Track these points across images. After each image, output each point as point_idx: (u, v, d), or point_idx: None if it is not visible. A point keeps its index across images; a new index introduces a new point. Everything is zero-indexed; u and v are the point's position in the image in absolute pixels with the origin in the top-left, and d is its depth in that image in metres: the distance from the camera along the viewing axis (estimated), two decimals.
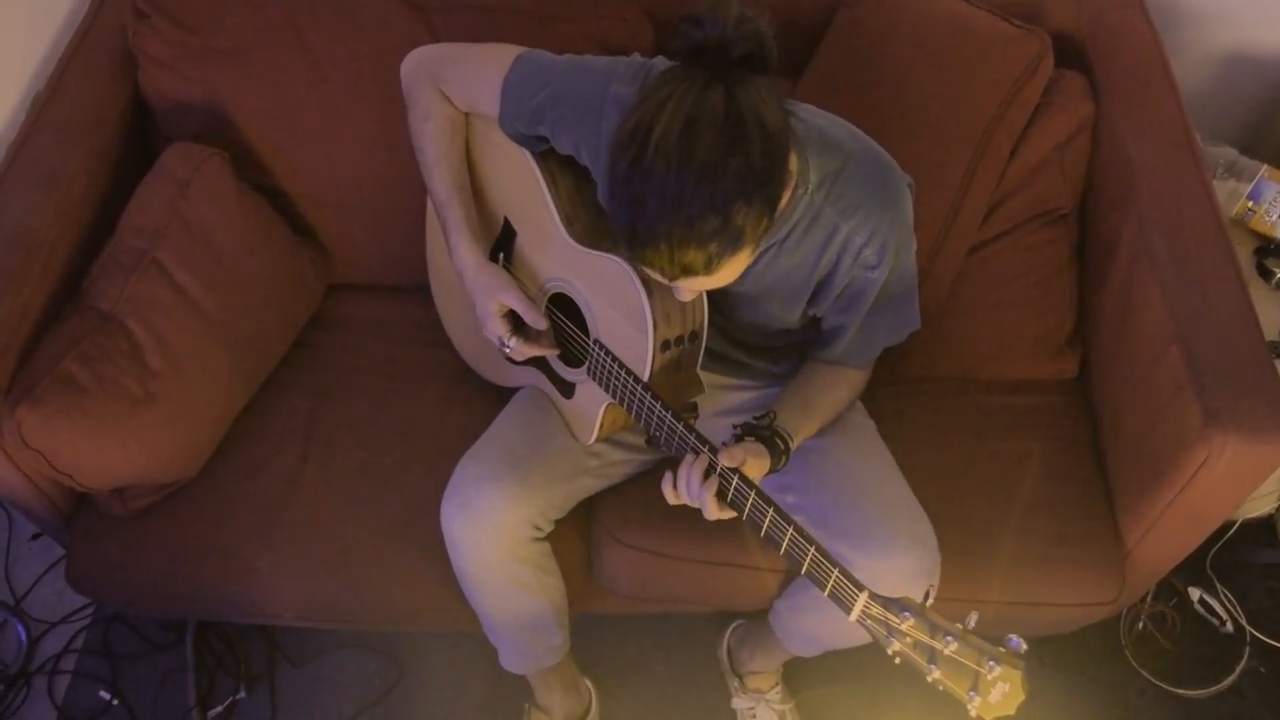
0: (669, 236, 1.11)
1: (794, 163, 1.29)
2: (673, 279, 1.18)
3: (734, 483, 1.28)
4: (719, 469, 1.29)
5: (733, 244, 1.13)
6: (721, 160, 1.08)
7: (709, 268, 1.14)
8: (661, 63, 1.35)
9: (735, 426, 1.41)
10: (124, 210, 1.69)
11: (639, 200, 1.11)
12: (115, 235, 1.67)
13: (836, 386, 1.50)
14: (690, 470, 1.30)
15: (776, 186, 1.14)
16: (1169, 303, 1.56)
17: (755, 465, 1.32)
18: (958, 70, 1.76)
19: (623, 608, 1.82)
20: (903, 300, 1.44)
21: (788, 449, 1.39)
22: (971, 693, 1.13)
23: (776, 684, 1.90)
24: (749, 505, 1.28)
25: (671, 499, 1.33)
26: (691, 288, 1.26)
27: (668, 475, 1.33)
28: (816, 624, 1.59)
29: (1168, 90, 1.80)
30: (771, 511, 1.26)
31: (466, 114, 1.57)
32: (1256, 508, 2.01)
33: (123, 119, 1.83)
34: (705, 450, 1.30)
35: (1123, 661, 2.00)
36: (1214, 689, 1.97)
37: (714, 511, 1.30)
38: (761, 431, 1.38)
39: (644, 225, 1.12)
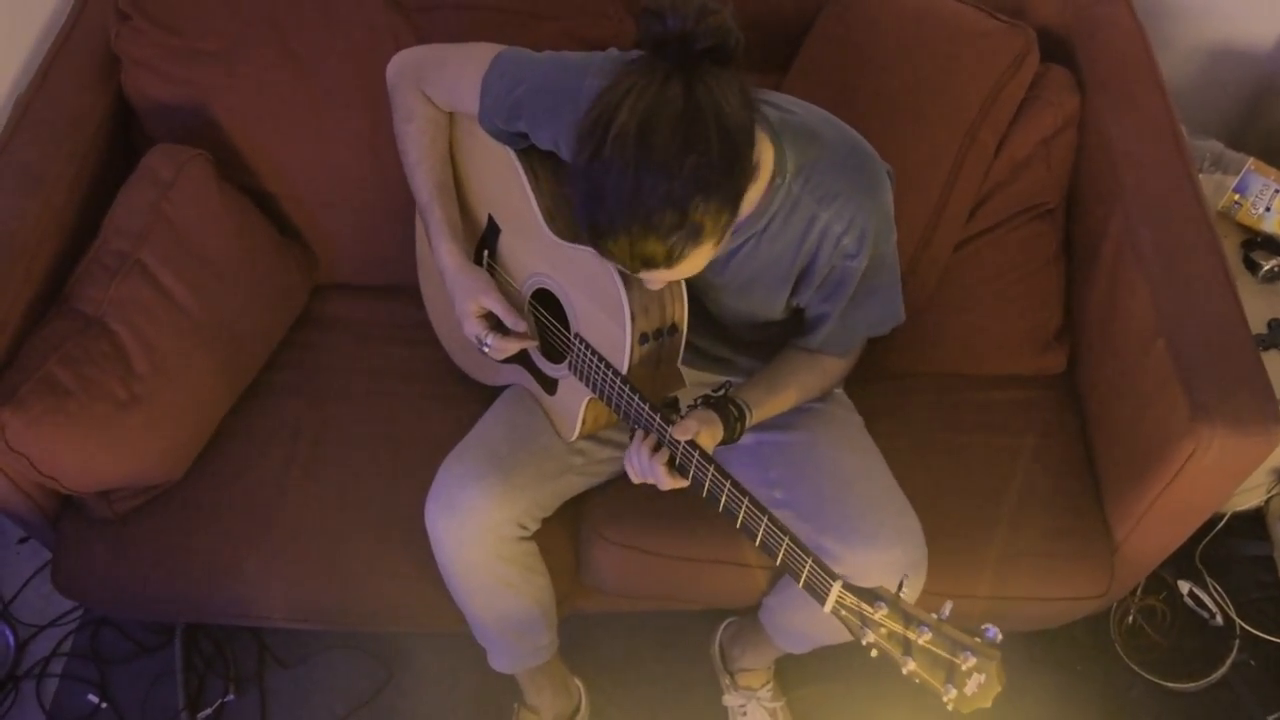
0: (628, 230, 1.12)
1: (769, 153, 1.29)
2: (634, 271, 1.19)
3: (680, 449, 1.30)
4: (667, 438, 1.31)
5: (693, 238, 1.13)
6: (678, 157, 1.08)
7: (669, 261, 1.15)
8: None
9: (695, 400, 1.41)
10: (107, 212, 1.68)
11: (598, 193, 1.12)
12: (99, 237, 1.66)
13: (807, 371, 1.50)
14: (639, 445, 1.33)
15: (736, 181, 1.15)
16: (1155, 296, 1.56)
17: (707, 434, 1.33)
18: (943, 65, 1.75)
19: (612, 606, 1.81)
20: (885, 291, 1.44)
21: (743, 416, 1.39)
22: (947, 685, 1.12)
23: (768, 682, 1.90)
24: (709, 480, 1.29)
25: (634, 478, 1.36)
26: (660, 279, 1.27)
27: (628, 454, 1.36)
28: (805, 619, 1.59)
29: (1154, 84, 1.80)
30: (729, 485, 1.27)
31: (450, 115, 1.56)
32: (1245, 500, 2.01)
33: (106, 120, 1.82)
34: (658, 421, 1.31)
35: (1113, 655, 1.99)
36: (1204, 682, 1.97)
37: (666, 481, 1.33)
38: (714, 399, 1.40)
39: (603, 218, 1.13)
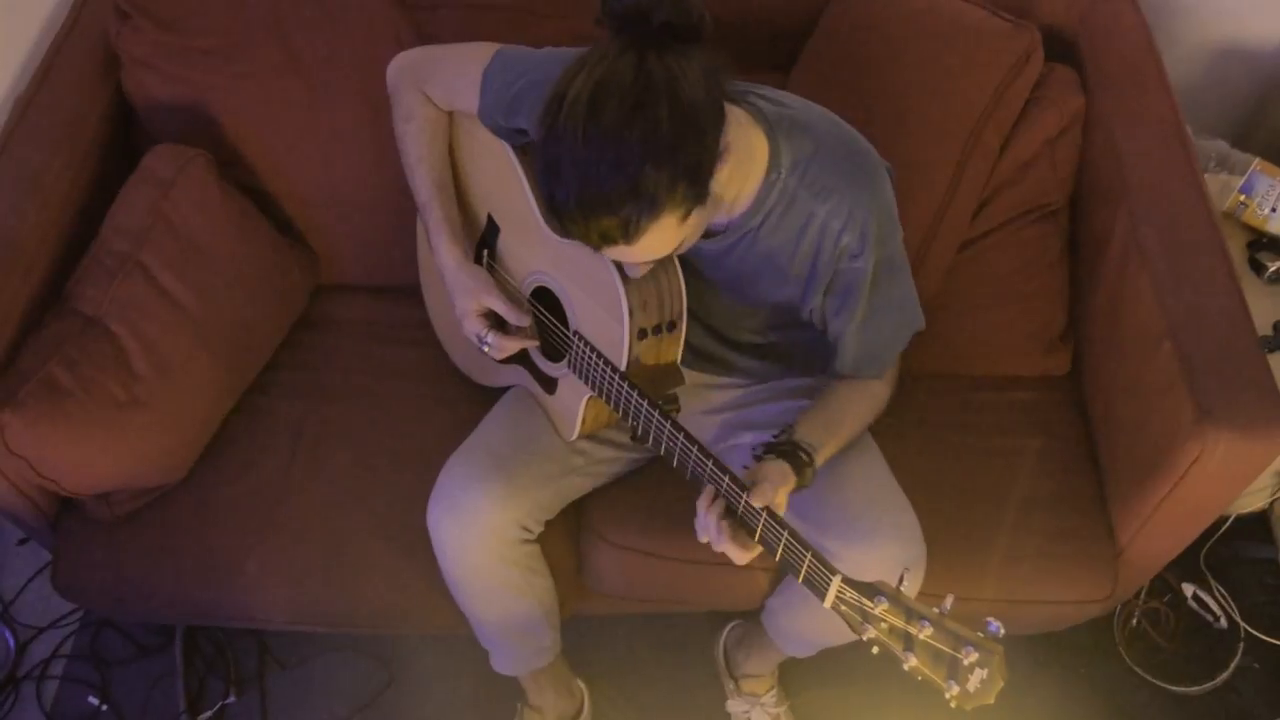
0: (581, 202, 1.12)
1: (763, 147, 1.29)
2: (597, 248, 1.18)
3: (762, 520, 1.25)
4: (741, 507, 1.26)
5: (648, 211, 1.12)
6: (625, 125, 1.09)
7: (628, 236, 1.14)
8: None
9: (754, 449, 1.39)
10: (107, 212, 1.67)
11: (554, 167, 1.12)
12: (99, 238, 1.65)
13: (857, 400, 1.48)
14: (707, 515, 1.28)
15: (692, 155, 1.13)
16: (1161, 298, 1.55)
17: (784, 491, 1.30)
18: (947, 65, 1.75)
19: (615, 608, 1.81)
20: (899, 298, 1.43)
21: (812, 461, 1.36)
22: (950, 680, 1.11)
23: (772, 687, 1.89)
24: (723, 484, 1.27)
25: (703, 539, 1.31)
26: (625, 259, 1.25)
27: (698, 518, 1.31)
28: (808, 621, 1.58)
29: (1159, 84, 1.79)
30: (727, 480, 1.25)
31: (450, 114, 1.56)
32: (1250, 503, 2.01)
33: (106, 120, 1.81)
34: (726, 481, 1.27)
35: (1117, 659, 1.99)
36: (1208, 685, 1.96)
37: (740, 556, 1.28)
38: (783, 447, 1.36)
39: (560, 192, 1.13)
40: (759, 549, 1.29)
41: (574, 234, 1.17)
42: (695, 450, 1.29)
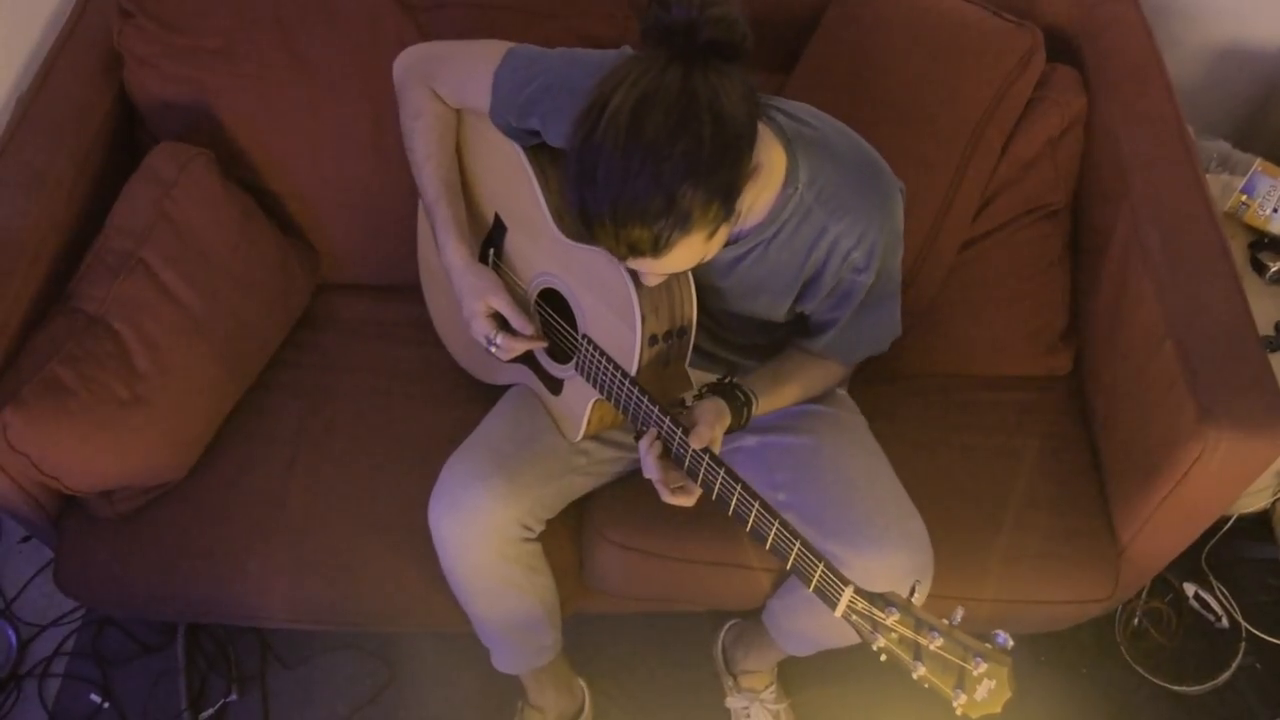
0: (614, 213, 1.12)
1: (781, 161, 1.29)
2: (622, 258, 1.19)
3: (689, 453, 1.30)
4: (676, 440, 1.31)
5: (680, 226, 1.13)
6: (669, 141, 1.09)
7: (657, 249, 1.15)
8: None
9: (701, 388, 1.42)
10: (110, 211, 1.68)
11: (589, 174, 1.12)
12: (101, 236, 1.66)
13: (811, 368, 1.51)
14: (646, 452, 1.33)
15: (728, 174, 1.14)
16: (1162, 298, 1.55)
17: (719, 428, 1.33)
18: (949, 65, 1.75)
19: (615, 607, 1.81)
20: (887, 304, 1.45)
21: (749, 402, 1.40)
22: (957, 690, 1.12)
23: (771, 683, 1.89)
24: (719, 483, 1.29)
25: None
26: (646, 269, 1.26)
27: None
28: (810, 623, 1.59)
29: (1160, 84, 1.79)
30: (739, 489, 1.27)
31: (458, 111, 1.56)
32: (1252, 503, 2.01)
33: (109, 118, 1.81)
34: (668, 423, 1.31)
35: (1118, 658, 1.99)
36: (1210, 685, 1.96)
37: (669, 496, 1.34)
38: (723, 386, 1.40)
39: (592, 200, 1.13)
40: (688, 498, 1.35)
41: (602, 242, 1.17)
42: (707, 458, 1.29)
